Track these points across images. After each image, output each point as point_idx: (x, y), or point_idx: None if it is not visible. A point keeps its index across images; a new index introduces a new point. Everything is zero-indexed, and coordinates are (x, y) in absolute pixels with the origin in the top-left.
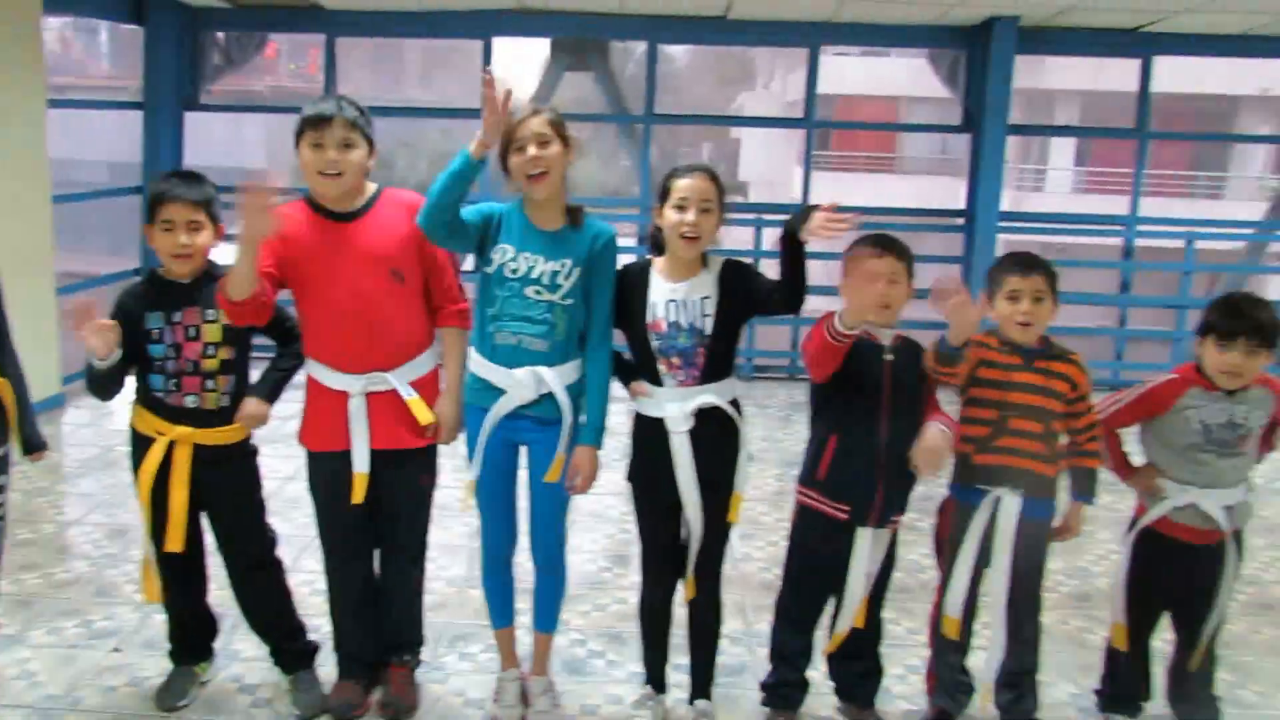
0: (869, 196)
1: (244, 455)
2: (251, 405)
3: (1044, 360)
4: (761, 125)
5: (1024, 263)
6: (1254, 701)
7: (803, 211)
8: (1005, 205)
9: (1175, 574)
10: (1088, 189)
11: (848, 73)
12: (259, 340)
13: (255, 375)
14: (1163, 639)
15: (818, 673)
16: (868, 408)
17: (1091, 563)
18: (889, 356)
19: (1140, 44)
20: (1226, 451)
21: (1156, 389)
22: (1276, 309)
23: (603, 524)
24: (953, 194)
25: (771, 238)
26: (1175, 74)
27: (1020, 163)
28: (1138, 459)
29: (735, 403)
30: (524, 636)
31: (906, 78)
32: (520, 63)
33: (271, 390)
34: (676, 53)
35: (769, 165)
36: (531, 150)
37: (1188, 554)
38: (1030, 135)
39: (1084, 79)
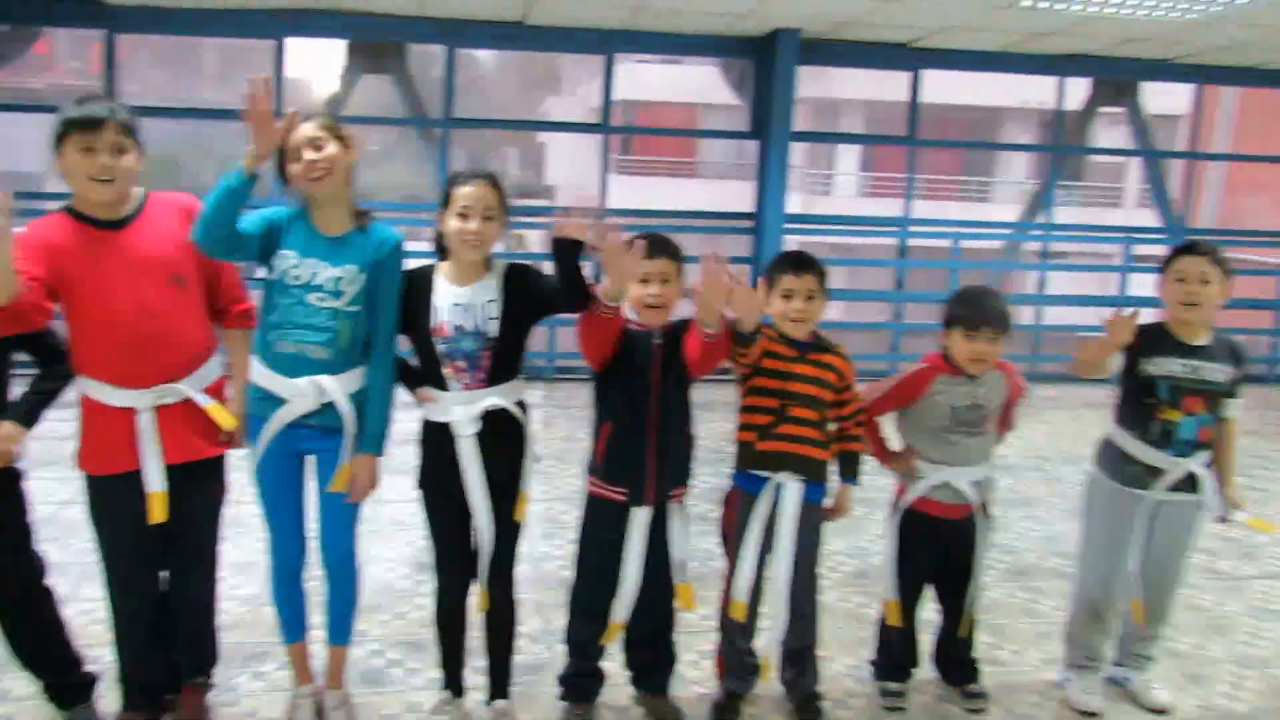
0: (669, 200)
1: (5, 480)
2: (4, 429)
3: (816, 353)
4: (560, 130)
5: (797, 263)
6: (1008, 660)
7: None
8: (795, 208)
9: (935, 549)
10: (872, 193)
11: (650, 80)
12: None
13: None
14: (933, 609)
15: (615, 664)
16: (639, 392)
17: (870, 542)
18: (658, 340)
19: (911, 58)
20: (972, 431)
21: (910, 377)
22: (1009, 300)
23: (404, 531)
24: (748, 198)
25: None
26: (948, 86)
27: (810, 168)
28: (895, 444)
29: (522, 404)
30: (322, 651)
31: (705, 85)
32: (316, 65)
33: (28, 413)
34: (484, 57)
35: (575, 170)
36: (308, 154)
37: (945, 529)
38: (812, 141)
39: (867, 90)
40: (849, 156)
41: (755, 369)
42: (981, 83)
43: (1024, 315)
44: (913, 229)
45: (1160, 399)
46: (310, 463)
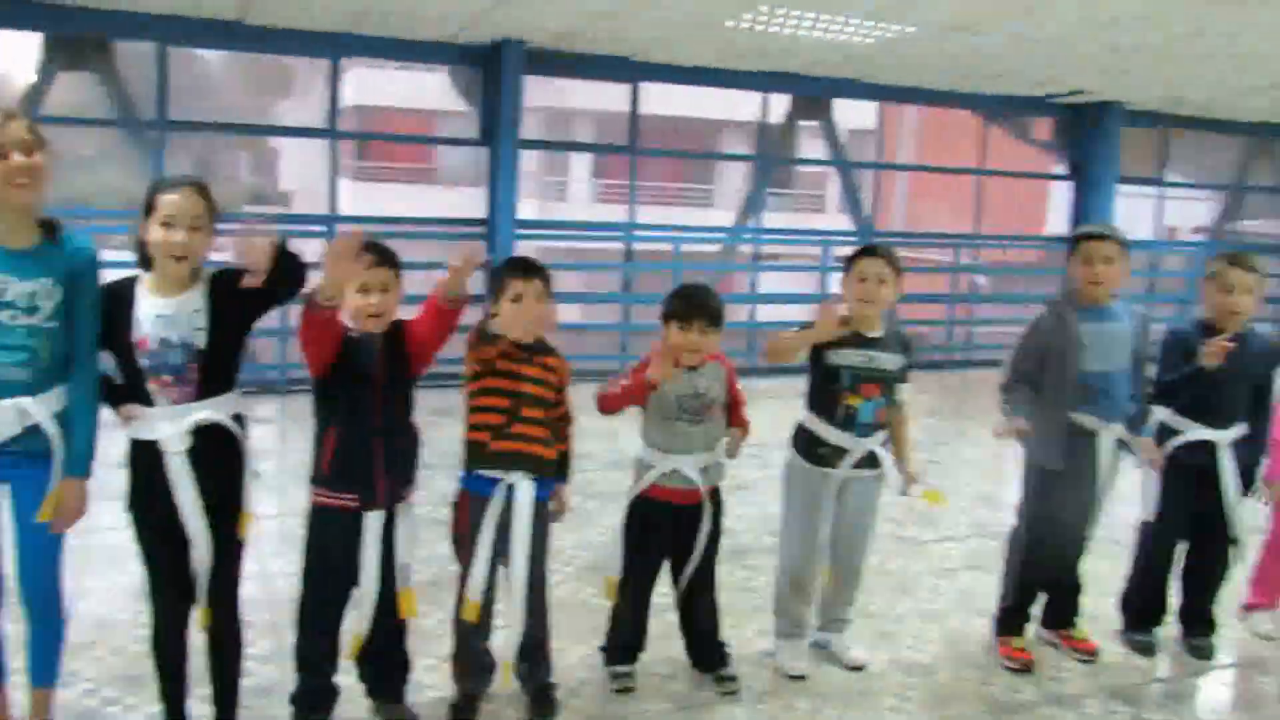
0: (406, 206)
1: None
2: None
3: (541, 355)
4: (284, 135)
5: (524, 267)
6: (728, 635)
7: None
8: (531, 214)
9: (667, 532)
10: (603, 199)
11: (384, 86)
12: None
13: None
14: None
15: (350, 678)
16: (362, 395)
17: (600, 534)
18: (378, 344)
19: (631, 71)
20: (697, 419)
21: (639, 368)
22: (723, 299)
23: (120, 560)
24: (483, 204)
25: (311, 249)
26: (673, 99)
27: (547, 175)
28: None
29: (240, 418)
30: (26, 696)
31: (439, 92)
32: (7, 59)
33: None
34: (211, 57)
35: (310, 176)
36: (17, 158)
37: (677, 514)
38: (539, 149)
39: (598, 100)
40: (581, 164)
41: (489, 370)
42: (703, 96)
43: (740, 314)
44: (637, 233)
45: (843, 386)
46: (2, 493)
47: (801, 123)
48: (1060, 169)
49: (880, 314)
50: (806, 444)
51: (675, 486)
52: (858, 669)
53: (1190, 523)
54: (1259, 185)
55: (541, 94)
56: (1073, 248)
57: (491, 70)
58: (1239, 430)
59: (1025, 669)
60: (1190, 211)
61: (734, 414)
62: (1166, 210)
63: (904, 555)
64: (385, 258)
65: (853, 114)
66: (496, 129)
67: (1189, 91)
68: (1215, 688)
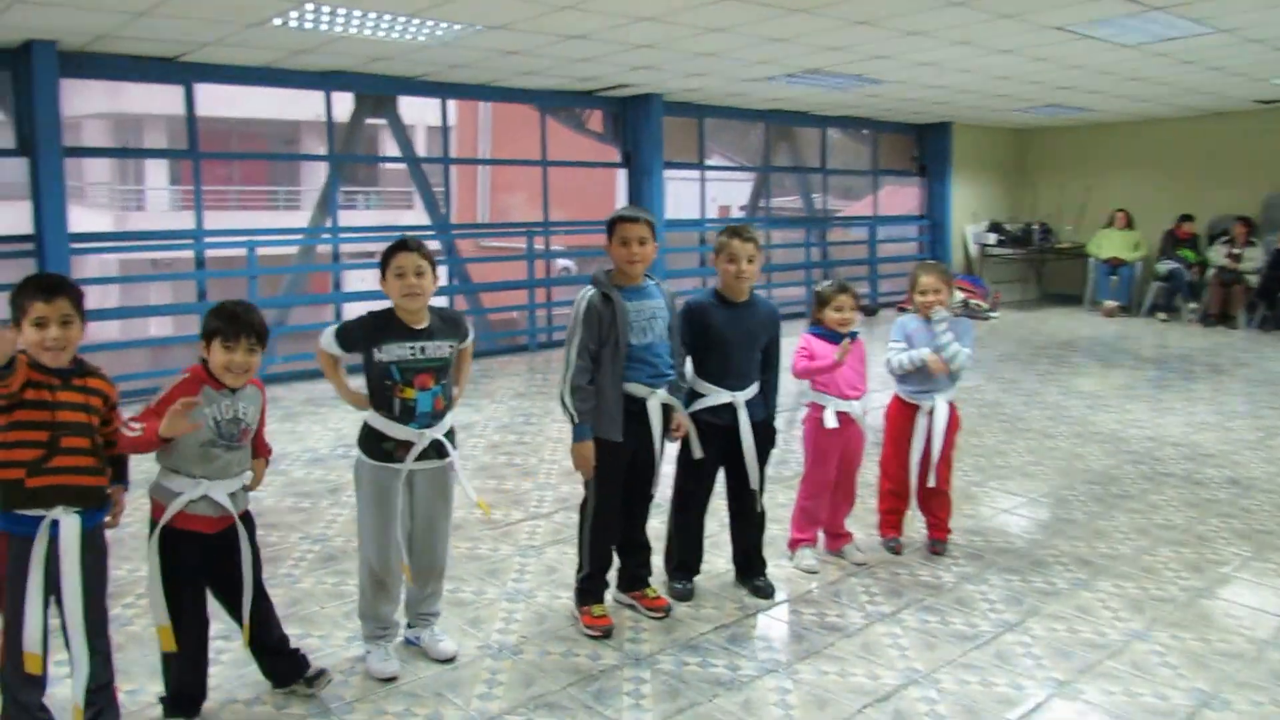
0: None
1: None
2: None
3: (80, 378)
4: None
5: (47, 287)
6: (318, 645)
7: None
8: (107, 225)
9: (203, 561)
10: (185, 206)
11: None
12: None
13: None
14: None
15: None
16: None
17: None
18: None
19: (182, 72)
20: (232, 445)
21: (176, 389)
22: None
23: None
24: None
25: None
26: (247, 101)
27: (120, 183)
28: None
29: None
30: None
31: None
32: None
33: None
34: None
35: None
36: None
37: (210, 541)
38: (87, 157)
39: (172, 104)
40: (159, 171)
41: (16, 402)
42: (282, 97)
43: (326, 314)
44: (211, 240)
45: (395, 380)
46: None
47: (370, 120)
48: (616, 158)
49: (424, 305)
50: (371, 441)
51: (205, 514)
52: (448, 661)
53: (725, 475)
54: (779, 166)
55: (106, 99)
56: (610, 231)
57: (22, 74)
58: (753, 390)
59: (606, 635)
60: (742, 191)
61: (259, 441)
62: (718, 191)
63: (493, 539)
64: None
65: (428, 112)
66: (34, 137)
67: (713, 83)
68: (769, 624)
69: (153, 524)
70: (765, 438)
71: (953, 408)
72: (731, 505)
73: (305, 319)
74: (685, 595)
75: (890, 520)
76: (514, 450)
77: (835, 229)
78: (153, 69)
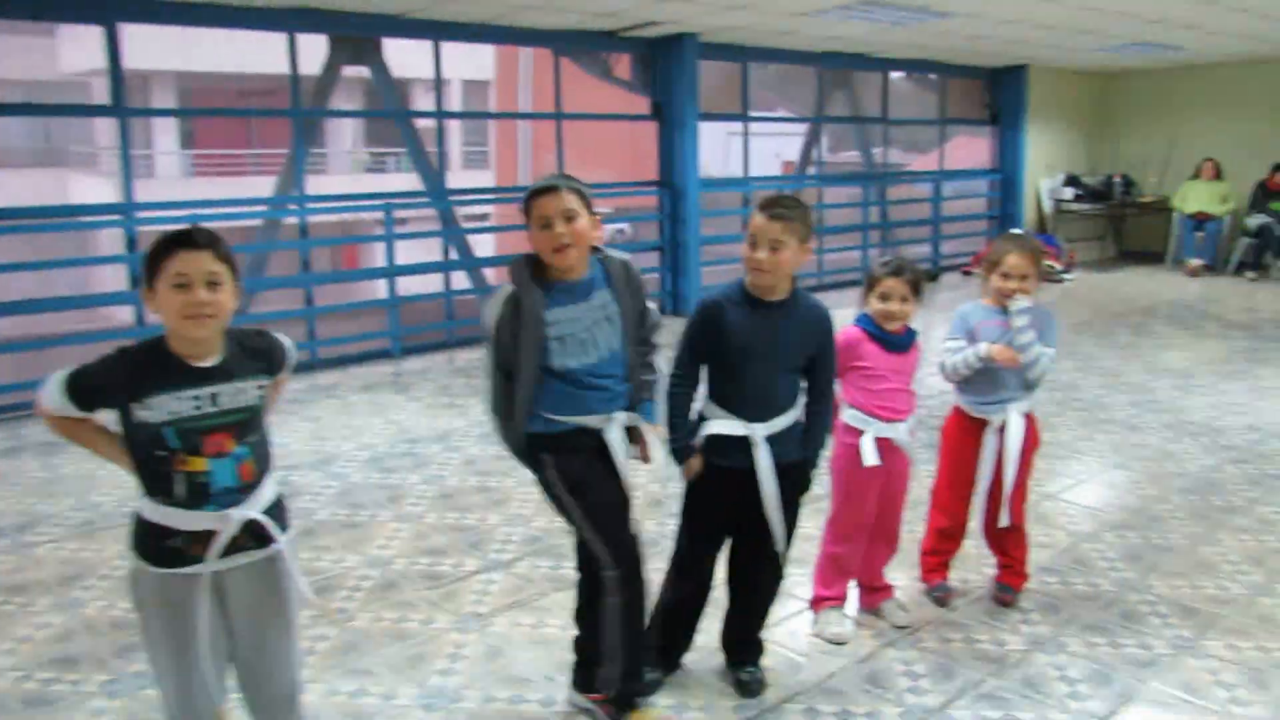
0: None
1: None
2: None
3: None
4: None
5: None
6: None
7: None
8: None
9: None
10: (201, 172)
11: None
12: None
13: None
14: None
15: None
16: None
17: None
18: None
19: (102, 10)
20: None
21: None
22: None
23: None
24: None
25: None
26: (242, 54)
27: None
28: None
29: None
30: None
31: None
32: None
33: None
34: None
35: None
36: None
37: None
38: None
39: (175, 61)
40: (167, 135)
41: None
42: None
43: (296, 299)
44: (142, 215)
45: (173, 449)
46: None
47: (347, 69)
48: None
49: (216, 333)
50: (149, 540)
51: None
52: None
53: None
54: (834, 117)
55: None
56: (525, 213)
57: None
58: (784, 422)
59: None
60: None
61: None
62: (783, 146)
63: (428, 605)
64: None
65: (464, 64)
66: None
67: (755, 18)
68: None
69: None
70: (797, 482)
71: (1031, 422)
72: (737, 566)
73: (276, 305)
74: (650, 690)
75: (936, 563)
76: (491, 469)
77: (899, 185)
78: (67, 6)
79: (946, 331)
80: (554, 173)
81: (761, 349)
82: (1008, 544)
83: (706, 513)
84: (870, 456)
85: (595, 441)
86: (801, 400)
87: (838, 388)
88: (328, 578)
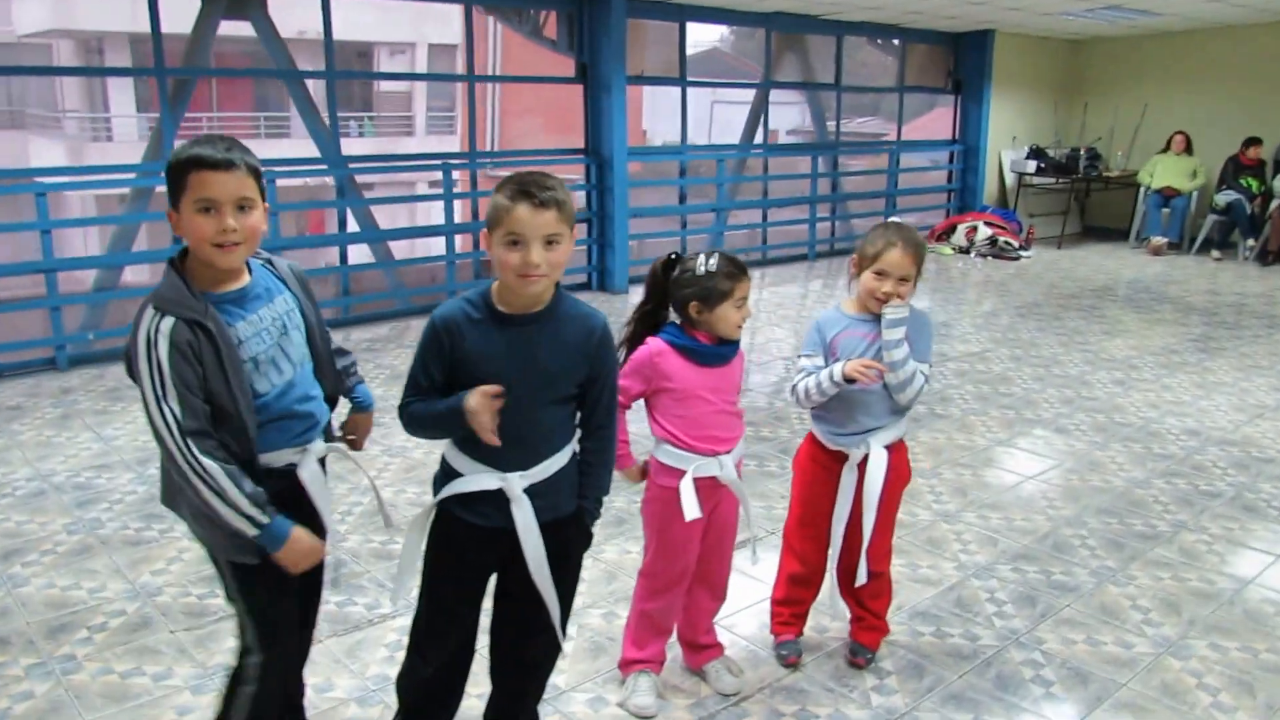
0: None
1: None
2: None
3: None
4: None
5: None
6: None
7: None
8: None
9: None
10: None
11: None
12: None
13: None
14: None
15: None
16: None
17: None
18: None
19: None
20: None
21: None
22: None
23: None
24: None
25: None
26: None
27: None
28: None
29: None
30: None
31: None
32: None
33: None
34: None
35: None
36: None
37: None
38: None
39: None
40: (125, 98)
41: None
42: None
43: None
44: (41, 180)
45: None
46: None
47: (225, 22)
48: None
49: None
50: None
51: None
52: None
53: (495, 593)
54: (781, 82)
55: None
56: (175, 191)
57: None
58: (551, 467)
59: None
60: (804, 113)
61: None
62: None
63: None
64: None
65: (432, 29)
66: None
67: None
68: None
69: None
70: (573, 540)
71: (899, 452)
72: (503, 640)
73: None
74: None
75: (787, 615)
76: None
77: (854, 156)
78: None
79: (800, 346)
80: (225, 137)
81: (516, 378)
82: (863, 594)
83: (455, 577)
84: (692, 509)
85: (283, 484)
86: (575, 436)
87: (646, 417)
88: (74, 612)
